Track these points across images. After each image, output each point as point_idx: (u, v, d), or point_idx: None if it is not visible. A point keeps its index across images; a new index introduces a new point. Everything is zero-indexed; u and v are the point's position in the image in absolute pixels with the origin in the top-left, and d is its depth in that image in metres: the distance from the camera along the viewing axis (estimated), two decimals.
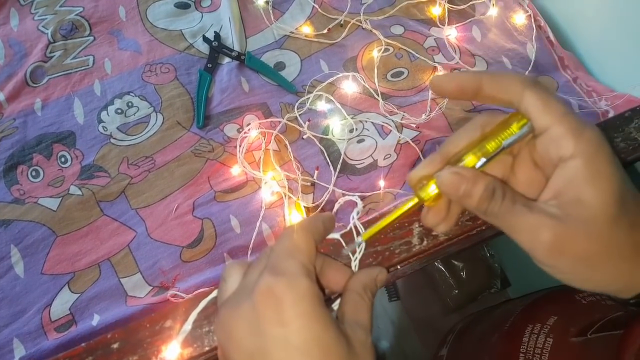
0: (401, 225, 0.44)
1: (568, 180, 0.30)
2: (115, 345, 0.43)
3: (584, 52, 0.76)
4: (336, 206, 0.59)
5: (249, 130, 0.66)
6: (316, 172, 0.64)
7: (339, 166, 0.65)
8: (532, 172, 0.34)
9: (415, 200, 0.35)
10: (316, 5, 0.76)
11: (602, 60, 0.73)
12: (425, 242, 0.44)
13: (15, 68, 0.68)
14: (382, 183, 0.63)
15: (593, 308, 0.63)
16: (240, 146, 0.65)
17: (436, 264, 1.24)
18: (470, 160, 0.33)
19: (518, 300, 0.78)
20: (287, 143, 0.66)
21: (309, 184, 0.64)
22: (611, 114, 0.69)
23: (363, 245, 0.41)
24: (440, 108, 0.68)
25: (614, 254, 0.30)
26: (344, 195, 0.63)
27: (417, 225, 0.44)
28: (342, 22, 0.75)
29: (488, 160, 0.33)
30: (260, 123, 0.66)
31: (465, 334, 0.79)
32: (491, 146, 0.33)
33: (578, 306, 0.64)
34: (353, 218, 0.40)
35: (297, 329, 0.29)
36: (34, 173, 0.62)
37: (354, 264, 0.40)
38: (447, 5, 0.77)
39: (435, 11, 0.77)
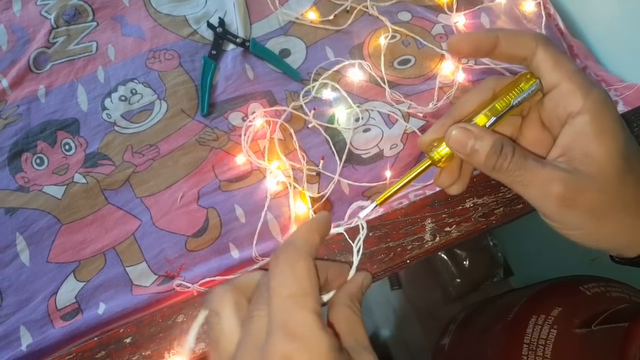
0: (413, 221, 0.44)
1: (576, 136, 0.31)
2: (128, 340, 0.43)
3: (594, 41, 0.74)
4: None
5: (253, 118, 0.65)
6: (321, 161, 0.64)
7: (344, 156, 0.64)
8: (540, 133, 0.35)
9: (428, 162, 0.36)
10: None
11: (612, 50, 0.72)
12: (437, 239, 0.43)
13: (19, 54, 0.67)
14: (388, 174, 0.62)
15: (597, 300, 0.63)
16: (245, 135, 0.64)
17: (439, 252, 1.24)
18: (480, 119, 0.34)
19: (521, 291, 0.78)
20: (292, 132, 0.65)
21: (314, 173, 0.63)
22: (620, 105, 0.68)
23: (365, 223, 0.39)
24: (447, 97, 0.67)
25: (620, 208, 0.31)
26: (350, 187, 0.63)
27: (429, 222, 0.44)
28: (348, 8, 0.74)
29: (498, 119, 0.34)
30: (265, 112, 0.66)
31: (467, 324, 0.80)
32: (500, 105, 0.34)
33: (582, 298, 0.64)
34: (359, 218, 0.39)
35: None
36: (38, 161, 0.62)
37: (358, 245, 0.38)
38: None
39: None
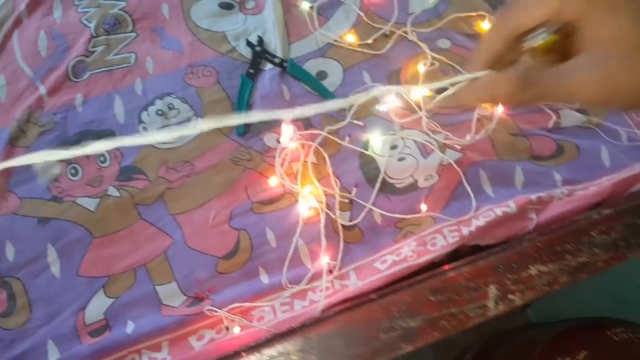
0: (477, 286, 0.43)
1: (593, 31, 0.32)
2: None
3: None
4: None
5: (288, 141, 0.65)
6: (355, 189, 0.63)
7: (377, 184, 0.63)
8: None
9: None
10: (361, 13, 0.74)
11: None
12: (500, 306, 0.42)
13: (58, 61, 0.67)
14: (423, 207, 0.62)
15: (625, 347, 0.62)
16: (279, 157, 0.64)
17: None
18: None
19: (543, 328, 0.77)
20: (325, 156, 0.65)
21: (347, 200, 0.63)
22: None
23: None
24: (486, 131, 0.66)
25: None
26: (382, 217, 0.62)
27: (493, 288, 0.43)
28: (387, 33, 0.73)
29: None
30: (300, 134, 0.65)
31: (486, 357, 0.79)
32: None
33: (610, 343, 0.64)
34: None
35: None
36: (73, 171, 0.62)
37: None
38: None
39: (485, 26, 0.75)
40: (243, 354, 0.46)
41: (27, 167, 0.61)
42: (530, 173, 0.66)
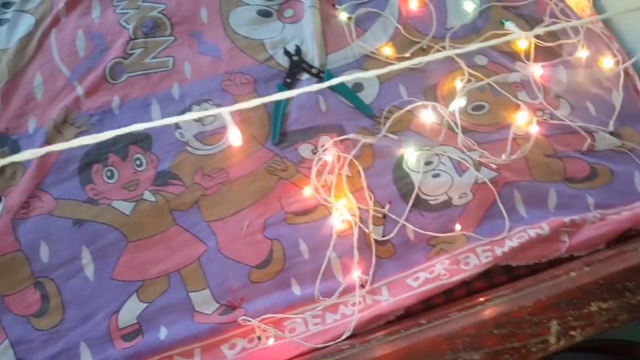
0: (539, 321, 0.43)
1: None
2: None
3: None
4: None
5: (324, 151, 0.64)
6: (388, 205, 0.63)
7: (411, 200, 0.63)
8: None
9: None
10: (399, 26, 0.73)
11: None
12: (562, 342, 0.42)
13: (95, 62, 0.67)
14: (458, 226, 0.62)
15: None
16: (314, 168, 0.63)
17: None
18: None
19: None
20: (360, 169, 0.65)
21: (380, 215, 0.63)
22: None
23: None
24: (522, 152, 0.66)
25: None
26: (415, 233, 0.62)
27: (555, 323, 0.43)
28: (424, 47, 0.73)
29: None
30: (335, 142, 0.65)
31: None
32: None
33: None
34: None
35: None
36: (108, 173, 0.62)
37: None
38: (534, 40, 0.74)
39: (522, 45, 0.74)
40: None
41: (64, 167, 0.61)
42: (563, 195, 0.66)
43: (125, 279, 0.58)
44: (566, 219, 0.62)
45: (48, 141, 0.62)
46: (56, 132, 0.62)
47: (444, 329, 0.42)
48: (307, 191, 0.63)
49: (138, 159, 0.63)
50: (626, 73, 0.74)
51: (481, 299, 0.50)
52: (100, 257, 0.58)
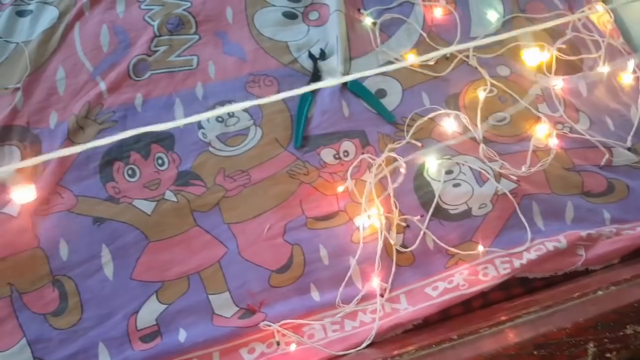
0: (577, 343, 0.43)
1: None
2: None
3: None
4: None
5: (352, 159, 0.64)
6: (419, 217, 0.62)
7: (431, 209, 0.63)
8: None
9: None
10: (424, 34, 0.73)
11: None
12: None
13: (119, 58, 0.66)
14: (480, 248, 0.62)
15: None
16: (349, 172, 0.63)
17: None
18: None
19: None
20: (388, 177, 0.64)
21: (404, 224, 0.63)
22: None
23: None
24: (542, 165, 0.66)
25: None
26: (435, 242, 0.62)
27: (591, 345, 0.43)
28: (448, 56, 0.73)
29: None
30: (357, 147, 0.65)
31: None
32: None
33: None
34: None
35: None
36: (130, 172, 0.61)
37: None
38: (556, 53, 0.74)
39: (544, 57, 0.74)
40: None
41: (85, 164, 0.61)
42: (580, 209, 0.66)
43: (145, 280, 0.57)
44: (583, 233, 0.63)
45: (70, 137, 0.61)
46: (78, 128, 0.62)
47: (484, 349, 0.42)
48: (339, 189, 0.63)
49: (160, 158, 0.62)
50: None
51: (503, 318, 0.50)
52: (120, 257, 0.58)
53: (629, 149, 0.70)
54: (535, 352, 0.40)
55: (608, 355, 0.42)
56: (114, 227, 0.59)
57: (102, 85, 0.64)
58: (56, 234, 0.58)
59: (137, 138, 0.63)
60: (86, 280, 0.57)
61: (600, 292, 0.49)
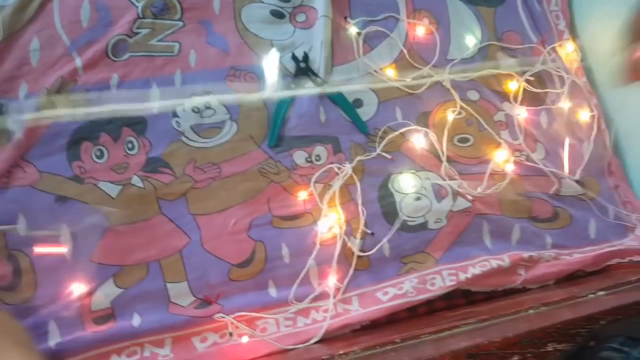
0: (504, 355, 0.47)
1: None
2: None
3: (632, 165, 0.80)
4: None
5: (323, 164, 0.66)
6: (371, 233, 0.65)
7: (396, 223, 0.66)
8: None
9: None
10: (404, 50, 0.76)
11: None
12: None
13: (98, 35, 0.64)
14: (431, 260, 0.65)
15: None
16: (313, 178, 0.65)
17: None
18: None
19: None
20: (357, 184, 0.67)
21: (369, 231, 0.65)
22: (638, 230, 0.74)
23: None
24: (496, 188, 0.70)
25: None
26: (390, 250, 0.66)
27: (516, 358, 0.47)
28: (424, 75, 0.76)
29: None
30: (329, 153, 0.67)
31: None
32: None
33: None
34: None
35: None
36: (98, 153, 0.61)
37: None
38: (523, 84, 0.78)
39: (512, 86, 0.79)
40: None
41: (52, 140, 0.60)
42: (526, 232, 0.71)
43: (104, 262, 0.57)
44: (525, 255, 0.68)
45: (40, 111, 0.60)
46: (49, 103, 0.60)
47: (422, 354, 0.46)
48: (302, 196, 0.65)
49: (130, 142, 0.62)
50: (599, 128, 0.80)
51: (444, 326, 0.55)
52: (80, 237, 0.57)
53: (577, 181, 0.76)
54: None
55: None
56: (76, 207, 0.58)
57: (78, 62, 0.63)
58: (15, 208, 0.57)
59: (109, 119, 0.62)
60: (43, 257, 0.56)
61: (531, 311, 0.54)
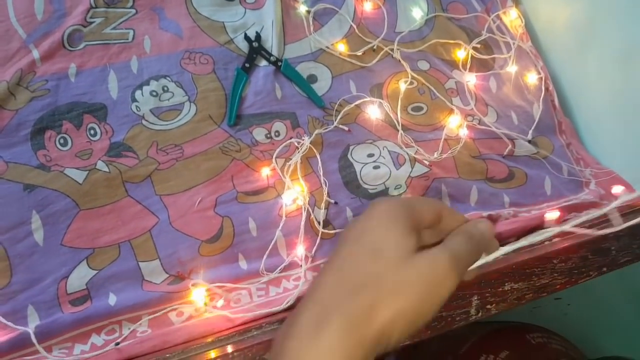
0: (463, 296, 0.51)
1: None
2: None
3: (581, 123, 0.85)
4: None
5: (283, 139, 0.69)
6: (334, 202, 0.68)
7: (357, 192, 0.70)
8: None
9: None
10: (354, 25, 0.78)
11: (595, 134, 0.83)
12: (480, 314, 0.51)
13: (53, 27, 0.66)
14: None
15: (541, 349, 0.74)
16: (275, 152, 0.68)
17: None
18: None
19: (471, 328, 0.88)
20: (318, 157, 0.70)
21: (333, 201, 0.68)
22: (592, 184, 0.79)
23: None
24: (452, 152, 0.74)
25: None
26: (354, 216, 0.69)
27: (475, 298, 0.51)
28: (374, 48, 0.79)
29: None
30: (288, 128, 0.70)
31: (417, 348, 0.89)
32: None
33: (528, 345, 0.75)
34: None
35: None
36: (62, 141, 0.62)
37: None
38: (471, 51, 0.82)
39: (460, 54, 0.82)
40: None
41: (15, 131, 0.61)
42: (483, 193, 0.75)
43: (75, 246, 0.59)
44: (484, 214, 0.72)
45: (0, 104, 0.61)
46: (9, 95, 0.61)
47: None
48: (265, 171, 0.68)
49: (92, 128, 0.64)
50: (546, 89, 0.84)
51: None
52: (50, 223, 0.59)
53: (529, 142, 0.80)
54: None
55: (489, 307, 0.51)
56: (44, 194, 0.60)
57: (35, 54, 0.64)
58: None
59: (70, 107, 0.64)
60: (15, 245, 0.58)
61: (502, 264, 0.58)
